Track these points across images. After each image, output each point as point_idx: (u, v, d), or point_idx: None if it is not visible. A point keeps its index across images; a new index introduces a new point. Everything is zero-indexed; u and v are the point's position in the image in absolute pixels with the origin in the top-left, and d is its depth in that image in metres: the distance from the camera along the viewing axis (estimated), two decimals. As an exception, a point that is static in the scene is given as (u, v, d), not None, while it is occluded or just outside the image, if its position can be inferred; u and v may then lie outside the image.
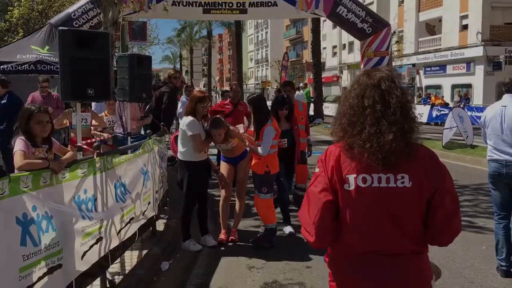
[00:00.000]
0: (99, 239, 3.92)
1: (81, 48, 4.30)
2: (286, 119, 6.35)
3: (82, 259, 3.62)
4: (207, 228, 5.96)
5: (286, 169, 6.45)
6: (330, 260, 2.10)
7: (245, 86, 47.94)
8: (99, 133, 7.20)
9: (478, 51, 29.46)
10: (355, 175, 1.95)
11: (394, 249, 1.95)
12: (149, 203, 5.43)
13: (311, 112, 24.85)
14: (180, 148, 5.62)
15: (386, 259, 1.95)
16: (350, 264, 2.00)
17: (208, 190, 6.28)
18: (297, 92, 21.46)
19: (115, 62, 7.61)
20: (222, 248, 5.75)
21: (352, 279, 2.00)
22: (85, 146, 4.38)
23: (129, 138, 6.41)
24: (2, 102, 7.92)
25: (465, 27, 31.19)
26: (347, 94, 2.09)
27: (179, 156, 5.67)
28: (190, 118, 5.45)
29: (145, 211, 5.23)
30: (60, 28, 4.38)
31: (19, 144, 3.66)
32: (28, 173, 3.11)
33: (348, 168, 1.97)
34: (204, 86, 72.25)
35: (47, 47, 11.64)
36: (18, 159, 3.54)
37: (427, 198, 1.95)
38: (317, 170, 2.07)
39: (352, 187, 1.95)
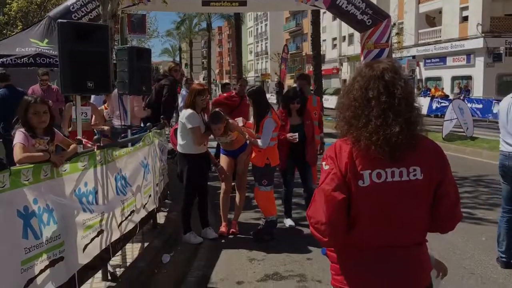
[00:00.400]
0: (100, 232, 3.93)
1: (80, 40, 4.28)
2: (298, 113, 6.14)
3: (83, 252, 3.63)
4: (208, 220, 5.98)
5: (296, 165, 6.28)
6: (338, 255, 2.07)
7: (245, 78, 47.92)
8: (100, 127, 7.20)
9: (479, 43, 29.38)
10: (369, 171, 1.92)
11: (403, 241, 1.96)
12: (150, 196, 5.44)
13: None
14: (179, 140, 5.62)
15: (395, 252, 1.96)
16: (361, 259, 1.98)
17: (209, 183, 6.29)
18: (295, 85, 21.51)
19: (114, 55, 7.59)
20: (223, 241, 5.77)
21: (363, 273, 1.98)
22: (85, 140, 4.37)
23: (129, 131, 6.40)
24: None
25: (465, 19, 31.08)
26: (349, 86, 2.06)
27: (179, 148, 5.67)
28: (189, 110, 5.45)
29: (145, 204, 5.24)
30: (59, 20, 4.36)
31: (18, 137, 3.65)
32: (28, 166, 3.12)
33: (362, 164, 1.93)
34: (203, 79, 72.11)
35: (46, 40, 11.60)
36: (17, 152, 3.54)
37: (434, 188, 1.96)
38: (326, 167, 1.99)
39: (367, 183, 1.91)
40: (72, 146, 3.90)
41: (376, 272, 1.96)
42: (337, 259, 2.07)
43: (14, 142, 3.65)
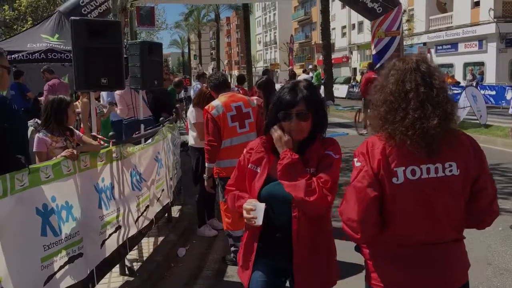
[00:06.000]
0: (118, 228, 3.96)
1: (93, 37, 4.30)
2: None
3: (101, 248, 3.67)
4: (214, 212, 5.99)
5: None
6: (371, 252, 2.05)
7: (254, 69, 47.71)
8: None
9: (491, 28, 28.93)
10: (403, 168, 1.89)
11: (439, 238, 1.94)
12: (163, 190, 5.46)
13: (322, 95, 24.71)
14: (190, 134, 5.68)
15: (431, 249, 1.93)
16: (397, 256, 1.96)
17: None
18: (303, 75, 21.37)
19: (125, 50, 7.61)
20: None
21: (399, 270, 1.96)
22: (99, 136, 4.40)
23: (142, 125, 6.42)
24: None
25: (477, 4, 30.59)
26: (383, 82, 2.02)
27: (190, 142, 5.72)
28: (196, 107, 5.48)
29: (159, 198, 5.27)
30: (72, 18, 4.37)
31: (38, 145, 3.75)
32: (47, 163, 3.15)
33: (396, 161, 1.89)
34: (212, 70, 72.06)
35: (56, 35, 11.65)
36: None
37: (471, 183, 1.93)
38: (358, 163, 1.96)
39: (401, 180, 1.88)
40: (89, 141, 3.97)
41: (412, 270, 1.94)
42: (370, 255, 2.06)
43: (34, 149, 3.76)
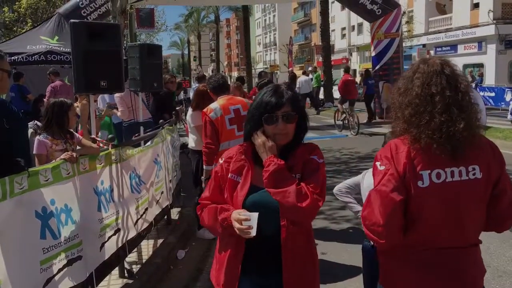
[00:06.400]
0: (117, 230, 3.97)
1: (93, 40, 4.30)
2: None
3: (100, 251, 3.68)
4: None
5: None
6: (390, 256, 2.02)
7: (254, 70, 47.70)
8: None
9: (490, 30, 28.96)
10: (429, 171, 1.88)
11: (460, 243, 1.93)
12: (162, 192, 5.47)
13: (321, 96, 24.71)
14: (190, 136, 5.69)
15: (452, 253, 1.93)
16: (416, 261, 1.95)
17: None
18: (303, 77, 21.35)
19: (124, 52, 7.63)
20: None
21: (419, 275, 1.95)
22: (98, 139, 4.41)
23: (141, 127, 6.43)
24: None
25: (476, 6, 30.62)
26: (407, 85, 1.99)
27: (190, 144, 5.74)
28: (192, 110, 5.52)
29: (159, 200, 5.28)
30: (72, 21, 4.38)
31: (37, 148, 3.76)
32: (46, 166, 3.16)
33: (421, 164, 1.88)
34: (212, 72, 72.07)
35: (56, 37, 11.68)
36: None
37: (492, 187, 1.93)
38: (382, 167, 1.93)
39: (427, 184, 1.87)
40: (89, 144, 3.98)
41: (432, 274, 1.93)
42: (389, 259, 2.04)
43: (34, 152, 3.77)
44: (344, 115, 14.81)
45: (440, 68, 1.94)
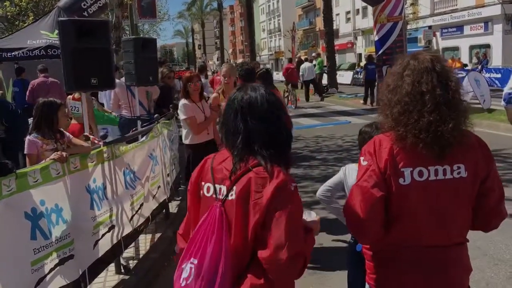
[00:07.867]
0: (111, 228, 4.00)
1: (82, 38, 4.30)
2: None
3: (94, 248, 3.71)
4: None
5: None
6: (374, 254, 2.03)
7: (259, 57, 47.45)
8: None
9: (496, 10, 28.53)
10: (411, 169, 1.86)
11: (443, 241, 1.91)
12: (159, 187, 5.47)
13: (325, 82, 24.55)
14: (182, 130, 5.65)
15: (435, 252, 1.91)
16: (398, 259, 1.94)
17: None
18: (306, 63, 21.23)
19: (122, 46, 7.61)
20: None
21: (400, 273, 1.94)
22: (92, 136, 4.42)
23: (138, 122, 6.44)
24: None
25: (482, -14, 30.18)
26: (397, 82, 1.95)
27: (182, 139, 5.70)
28: (182, 101, 5.40)
29: (155, 195, 5.29)
30: (60, 19, 4.39)
31: (28, 147, 3.79)
32: (35, 167, 3.18)
33: (404, 161, 1.86)
34: (217, 60, 71.86)
35: (56, 31, 11.64)
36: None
37: (479, 185, 1.90)
38: (364, 162, 1.93)
39: (408, 181, 1.85)
40: (80, 143, 4.00)
41: (414, 273, 1.92)
42: (373, 257, 2.04)
43: (25, 152, 3.81)
44: (287, 94, 18.87)
45: (430, 65, 1.90)
